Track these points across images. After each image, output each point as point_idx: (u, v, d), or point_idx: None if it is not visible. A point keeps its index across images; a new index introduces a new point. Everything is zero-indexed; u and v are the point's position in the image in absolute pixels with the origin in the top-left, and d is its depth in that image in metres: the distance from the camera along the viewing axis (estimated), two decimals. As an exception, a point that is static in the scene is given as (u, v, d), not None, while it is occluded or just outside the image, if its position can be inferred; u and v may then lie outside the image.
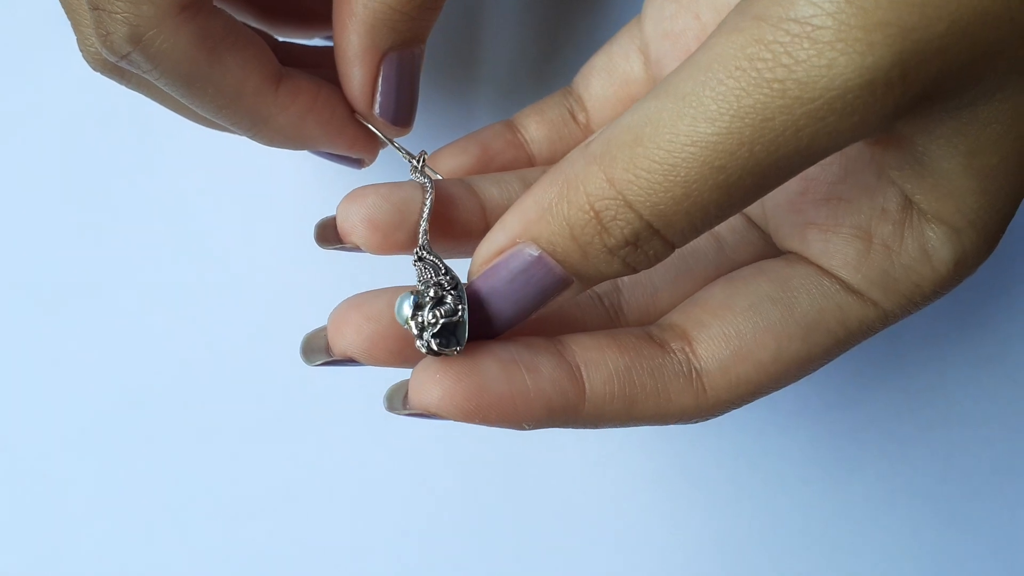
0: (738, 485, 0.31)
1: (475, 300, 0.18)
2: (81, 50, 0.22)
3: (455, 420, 0.18)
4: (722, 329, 0.19)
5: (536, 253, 0.17)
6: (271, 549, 0.31)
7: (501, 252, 0.18)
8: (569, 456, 0.31)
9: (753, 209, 0.22)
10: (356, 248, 0.21)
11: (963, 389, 0.31)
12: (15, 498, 0.31)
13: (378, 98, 0.22)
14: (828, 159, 0.20)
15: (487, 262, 0.18)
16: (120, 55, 0.20)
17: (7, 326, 0.31)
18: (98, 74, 0.23)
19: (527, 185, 0.23)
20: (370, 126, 0.23)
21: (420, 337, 0.18)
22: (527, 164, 0.25)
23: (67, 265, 0.32)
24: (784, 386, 0.20)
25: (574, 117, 0.25)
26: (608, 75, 0.25)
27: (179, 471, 0.31)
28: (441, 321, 0.18)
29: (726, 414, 0.30)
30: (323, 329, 0.20)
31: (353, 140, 0.23)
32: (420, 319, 0.18)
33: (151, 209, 0.32)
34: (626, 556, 0.31)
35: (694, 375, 0.19)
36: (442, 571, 0.31)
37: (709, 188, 0.15)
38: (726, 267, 0.22)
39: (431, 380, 0.18)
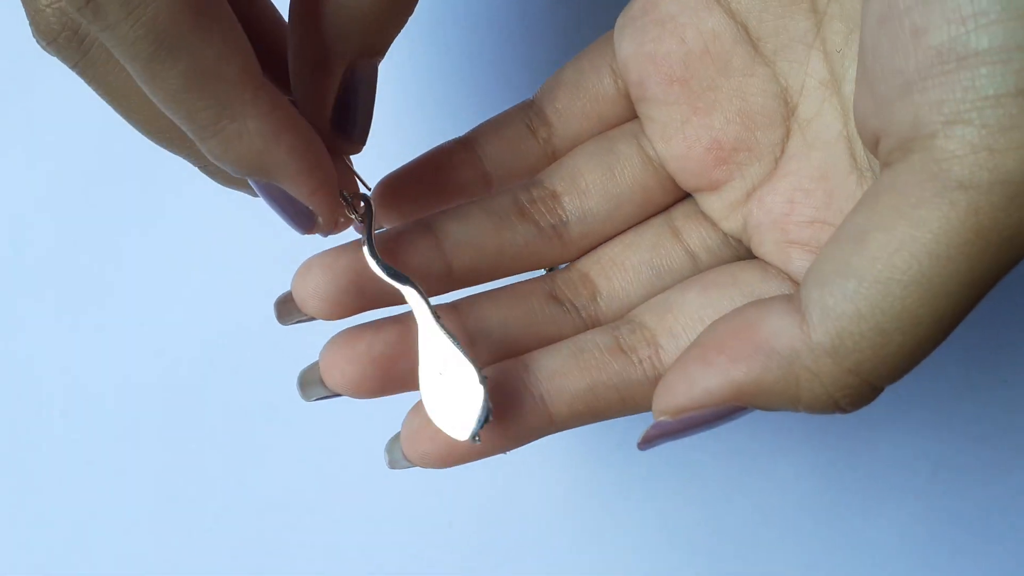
0: (732, 484, 0.31)
1: (658, 435, 0.19)
2: (31, 19, 0.19)
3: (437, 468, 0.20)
4: (691, 340, 0.20)
5: (735, 407, 0.18)
6: (271, 549, 0.31)
7: (700, 408, 0.18)
8: (568, 454, 0.31)
9: (735, 226, 0.22)
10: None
11: (955, 390, 0.31)
12: (19, 498, 0.32)
13: (335, 111, 0.21)
14: (812, 186, 0.20)
15: (682, 412, 0.18)
16: (80, 34, 0.18)
17: (11, 326, 0.32)
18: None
19: (491, 216, 0.22)
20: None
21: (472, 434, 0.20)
22: (482, 183, 0.23)
23: (67, 265, 0.32)
24: None
25: (534, 132, 0.24)
26: (577, 90, 0.23)
27: (179, 471, 0.32)
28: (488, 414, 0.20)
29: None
30: (316, 364, 0.21)
31: (321, 183, 0.19)
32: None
33: (152, 208, 0.32)
34: (625, 555, 0.31)
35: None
36: (442, 570, 0.31)
37: (929, 348, 0.16)
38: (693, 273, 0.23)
39: (421, 436, 0.20)
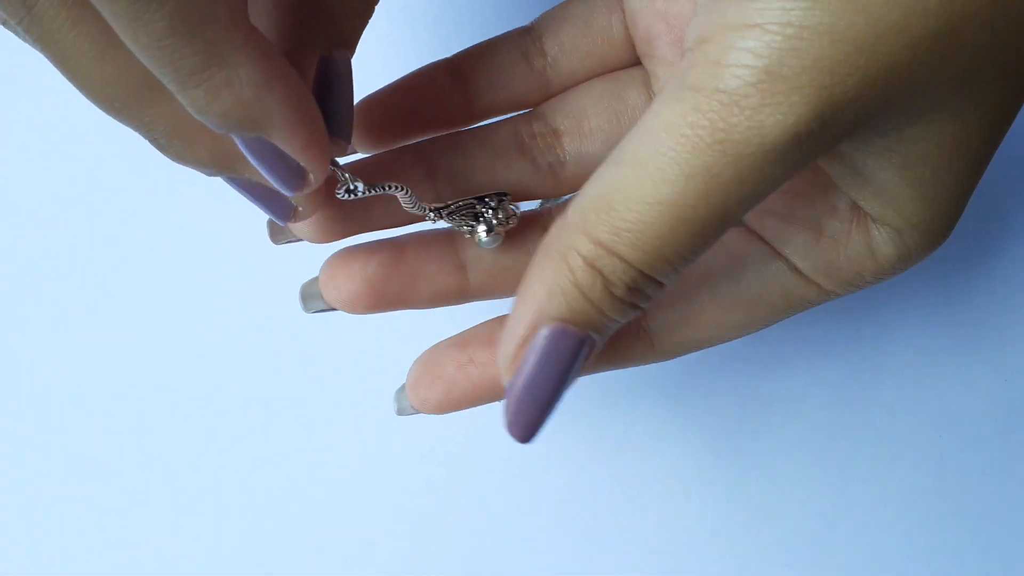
0: (731, 484, 0.31)
1: (515, 397, 0.19)
2: None
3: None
4: (671, 298, 0.22)
5: (558, 328, 0.18)
6: (271, 550, 0.31)
7: (524, 343, 0.19)
8: (565, 453, 0.31)
9: None
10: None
11: (956, 389, 0.31)
12: (23, 499, 0.31)
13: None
14: None
15: (516, 357, 0.19)
16: None
17: (15, 327, 0.32)
18: None
19: (488, 150, 0.23)
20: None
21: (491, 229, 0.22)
22: (465, 110, 0.23)
23: (69, 266, 0.32)
24: (725, 342, 0.22)
25: (529, 61, 0.23)
26: (586, 26, 0.23)
27: (179, 472, 0.32)
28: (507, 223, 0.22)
29: (723, 416, 0.31)
30: (316, 279, 0.23)
31: (314, 136, 0.18)
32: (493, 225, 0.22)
33: (155, 208, 0.32)
34: (622, 555, 0.31)
35: (643, 335, 0.22)
36: (441, 570, 0.31)
37: (680, 236, 0.17)
38: None
39: (421, 382, 0.22)
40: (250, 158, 0.18)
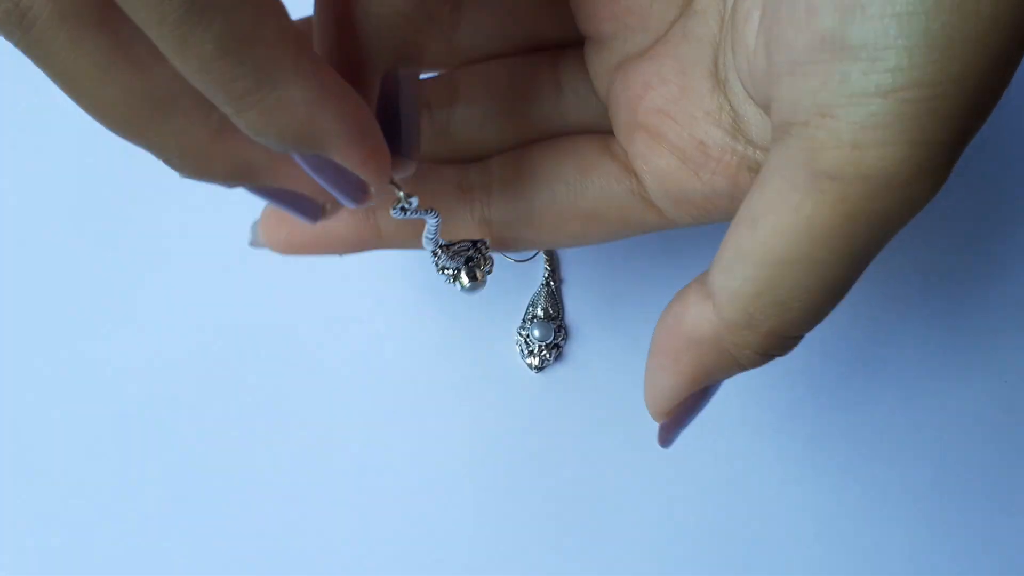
0: (731, 485, 0.31)
1: (666, 435, 0.22)
2: None
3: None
4: (515, 195, 0.22)
5: (712, 386, 0.20)
6: (272, 550, 0.31)
7: (680, 408, 0.20)
8: (569, 456, 0.31)
9: (601, 88, 0.23)
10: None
11: (955, 389, 0.31)
12: (26, 499, 0.31)
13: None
14: (670, 77, 0.21)
15: (671, 415, 0.21)
16: None
17: (15, 328, 0.32)
18: None
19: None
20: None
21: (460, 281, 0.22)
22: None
23: (69, 266, 0.32)
24: (561, 248, 0.23)
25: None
26: None
27: (179, 472, 0.31)
28: (486, 279, 0.23)
29: (719, 416, 0.31)
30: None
31: (372, 150, 0.18)
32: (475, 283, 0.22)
33: (153, 208, 0.32)
34: (620, 556, 0.31)
35: (484, 224, 0.23)
36: (441, 569, 0.31)
37: (835, 304, 0.17)
38: (556, 122, 0.23)
39: (271, 221, 0.23)
40: (311, 174, 0.18)
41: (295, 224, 0.22)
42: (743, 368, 0.19)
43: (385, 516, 0.31)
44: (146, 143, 0.17)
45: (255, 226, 0.23)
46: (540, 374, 0.31)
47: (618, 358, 0.31)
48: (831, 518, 0.31)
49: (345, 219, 0.22)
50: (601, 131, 0.23)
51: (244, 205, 0.32)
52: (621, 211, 0.22)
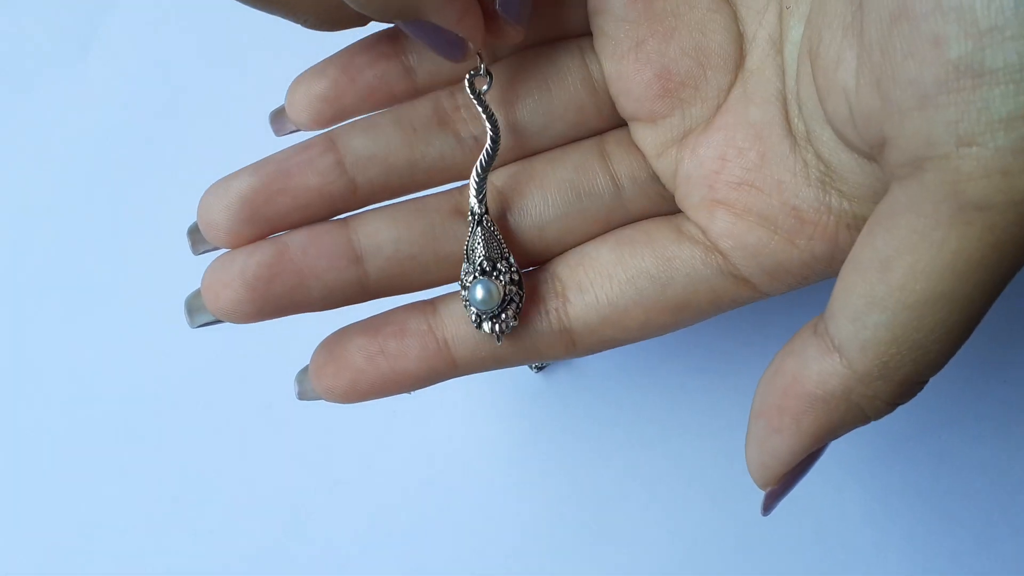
0: (731, 485, 0.31)
1: (771, 501, 0.20)
2: None
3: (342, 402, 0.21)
4: (597, 297, 0.21)
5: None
6: (271, 551, 0.31)
7: (792, 474, 0.19)
8: (569, 458, 0.31)
9: (665, 169, 0.22)
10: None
11: (956, 389, 0.31)
12: (19, 500, 0.31)
13: None
14: (746, 145, 0.20)
15: (781, 480, 0.19)
16: None
17: (15, 328, 0.32)
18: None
19: (405, 129, 0.21)
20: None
21: (491, 328, 0.20)
22: (404, 79, 0.21)
23: (69, 267, 0.32)
24: (647, 339, 0.22)
25: None
26: None
27: (178, 473, 0.31)
28: (512, 325, 0.20)
29: (723, 416, 0.31)
30: (199, 290, 0.21)
31: (466, 8, 0.19)
32: (497, 323, 0.20)
33: (152, 209, 0.32)
34: (620, 556, 0.31)
35: (564, 334, 0.21)
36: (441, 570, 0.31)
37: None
38: (618, 214, 0.22)
39: (326, 370, 0.21)
40: (414, 37, 0.19)
41: (358, 369, 0.20)
42: (869, 420, 0.18)
43: (385, 516, 0.31)
44: (277, 7, 0.19)
45: (302, 377, 0.22)
46: (540, 374, 0.31)
47: (618, 358, 0.31)
48: (831, 518, 0.31)
49: (416, 354, 0.21)
50: (663, 213, 0.22)
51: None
52: (713, 293, 0.21)
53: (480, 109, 0.21)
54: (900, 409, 0.32)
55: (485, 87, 0.21)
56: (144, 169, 0.33)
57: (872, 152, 0.17)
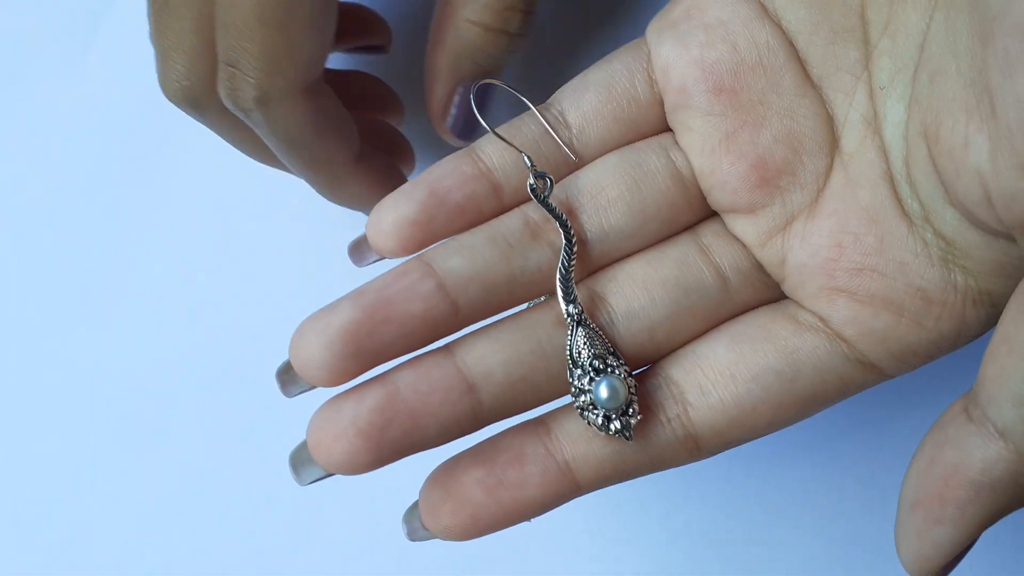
0: (731, 484, 0.31)
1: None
2: (162, 81, 0.24)
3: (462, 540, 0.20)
4: (722, 398, 0.20)
5: None
6: (274, 550, 0.31)
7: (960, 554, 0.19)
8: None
9: (771, 258, 0.21)
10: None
11: (956, 391, 0.31)
12: (20, 500, 0.31)
13: (452, 111, 0.26)
14: (861, 229, 0.20)
15: (949, 567, 0.19)
16: (242, 110, 0.23)
17: (22, 327, 0.32)
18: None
19: (500, 246, 0.20)
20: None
21: (622, 425, 0.20)
22: (492, 197, 0.21)
23: (69, 267, 0.32)
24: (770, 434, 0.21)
25: (555, 134, 0.22)
26: (608, 92, 0.22)
27: (179, 473, 0.31)
28: (639, 419, 0.20)
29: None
30: (305, 444, 0.19)
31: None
32: (625, 419, 0.20)
33: (161, 210, 0.32)
34: (620, 556, 0.31)
35: (689, 440, 0.20)
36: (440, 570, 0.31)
37: None
38: (727, 307, 0.22)
39: (442, 509, 0.20)
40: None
41: (477, 504, 0.19)
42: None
43: (385, 515, 0.31)
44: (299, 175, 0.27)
45: (411, 516, 0.20)
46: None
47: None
48: (830, 518, 0.31)
49: (537, 481, 0.20)
50: (767, 302, 0.22)
51: (244, 206, 0.32)
52: (841, 382, 0.20)
53: (547, 211, 0.21)
54: (901, 409, 0.32)
55: (546, 192, 0.21)
56: (144, 169, 0.33)
57: (1012, 231, 0.17)
